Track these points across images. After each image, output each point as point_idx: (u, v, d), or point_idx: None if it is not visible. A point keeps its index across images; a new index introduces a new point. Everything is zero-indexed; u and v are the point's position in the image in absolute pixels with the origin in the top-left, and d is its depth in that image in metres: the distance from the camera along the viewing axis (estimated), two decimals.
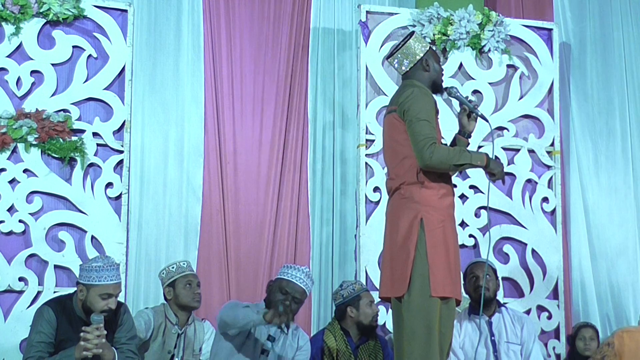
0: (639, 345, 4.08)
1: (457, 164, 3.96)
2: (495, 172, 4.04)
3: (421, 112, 3.97)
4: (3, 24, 5.55)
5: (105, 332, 4.13)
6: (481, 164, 4.01)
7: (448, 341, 3.95)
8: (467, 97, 4.28)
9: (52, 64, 5.60)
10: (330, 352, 5.01)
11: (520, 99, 6.32)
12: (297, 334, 4.76)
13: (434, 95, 4.11)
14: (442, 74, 4.22)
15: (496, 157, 4.14)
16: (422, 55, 4.12)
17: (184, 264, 5.13)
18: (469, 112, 4.14)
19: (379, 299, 4.27)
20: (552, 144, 6.31)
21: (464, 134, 4.16)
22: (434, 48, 4.31)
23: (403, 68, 4.16)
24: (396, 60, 4.17)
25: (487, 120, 4.15)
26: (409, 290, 3.87)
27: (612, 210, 6.55)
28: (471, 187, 6.10)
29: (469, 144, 4.19)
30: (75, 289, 4.35)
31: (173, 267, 5.08)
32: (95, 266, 4.21)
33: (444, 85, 4.25)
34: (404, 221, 3.95)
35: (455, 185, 5.97)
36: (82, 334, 4.09)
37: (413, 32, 4.26)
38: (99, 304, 4.19)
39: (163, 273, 5.10)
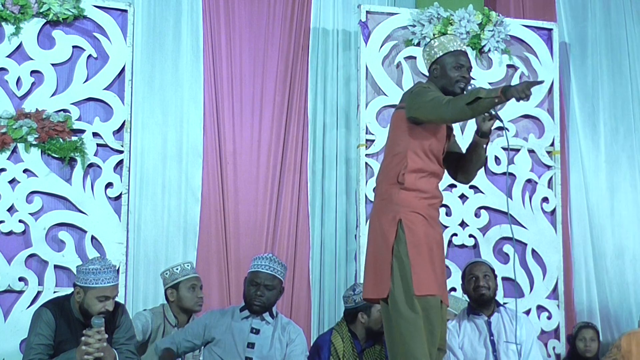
0: None
1: (469, 102, 3.73)
2: (519, 95, 3.72)
3: (426, 92, 3.89)
4: (3, 24, 5.56)
5: (106, 335, 4.13)
6: (496, 95, 3.71)
7: (438, 340, 3.89)
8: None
9: (52, 64, 5.60)
10: (337, 353, 5.00)
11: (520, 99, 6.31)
12: (288, 328, 4.73)
13: None
14: (459, 82, 4.00)
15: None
16: (431, 61, 4.05)
17: (188, 265, 5.11)
18: (489, 117, 3.97)
19: (363, 300, 4.26)
20: (552, 144, 6.31)
21: (481, 134, 4.02)
22: (454, 54, 4.04)
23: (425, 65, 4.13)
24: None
25: (500, 120, 3.96)
26: (392, 292, 3.84)
27: (613, 210, 6.55)
28: (471, 187, 6.10)
29: (487, 143, 4.05)
30: (71, 289, 4.34)
31: (177, 269, 5.06)
32: (92, 269, 4.21)
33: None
34: (384, 223, 3.92)
35: (454, 185, 6.03)
36: (83, 337, 4.08)
37: (443, 34, 4.18)
38: (96, 306, 4.18)
39: (167, 274, 5.07)
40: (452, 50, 4.04)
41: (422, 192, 3.93)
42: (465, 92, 3.94)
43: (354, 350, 5.03)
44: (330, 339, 5.05)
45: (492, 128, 4.00)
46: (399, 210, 3.89)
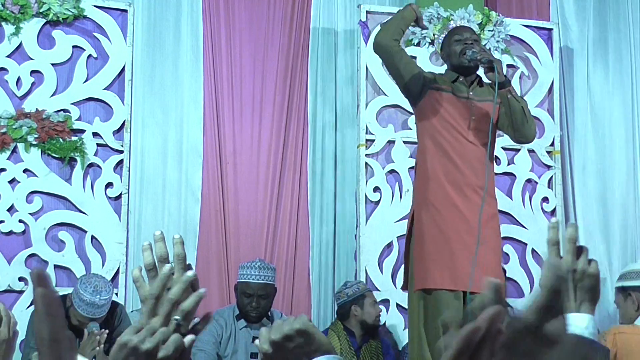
0: (630, 344, 4.07)
1: (386, 27, 4.02)
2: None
3: None
4: (3, 24, 5.55)
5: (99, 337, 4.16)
6: (410, 16, 4.02)
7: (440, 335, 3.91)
8: (477, 57, 3.98)
9: (52, 64, 5.60)
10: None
11: None
12: None
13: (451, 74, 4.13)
14: (461, 49, 4.01)
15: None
16: (440, 52, 4.29)
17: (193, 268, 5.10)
18: (486, 66, 3.96)
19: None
20: (552, 144, 6.31)
21: (499, 87, 3.92)
22: (451, 32, 4.24)
23: None
24: None
25: (494, 69, 3.92)
26: (409, 285, 4.02)
27: (612, 210, 6.54)
28: None
29: (508, 91, 4.00)
30: (71, 289, 4.36)
31: None
32: (88, 300, 4.24)
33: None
34: (411, 218, 4.09)
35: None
36: (88, 335, 4.11)
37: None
38: (72, 319, 4.23)
39: None
40: (450, 30, 4.33)
41: (433, 179, 3.96)
42: (468, 59, 4.00)
43: (350, 347, 5.05)
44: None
45: (500, 72, 3.93)
46: (413, 203, 4.06)
